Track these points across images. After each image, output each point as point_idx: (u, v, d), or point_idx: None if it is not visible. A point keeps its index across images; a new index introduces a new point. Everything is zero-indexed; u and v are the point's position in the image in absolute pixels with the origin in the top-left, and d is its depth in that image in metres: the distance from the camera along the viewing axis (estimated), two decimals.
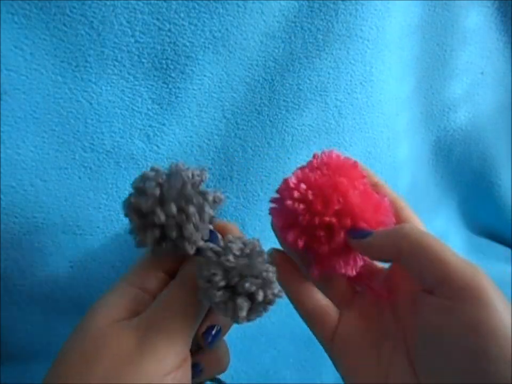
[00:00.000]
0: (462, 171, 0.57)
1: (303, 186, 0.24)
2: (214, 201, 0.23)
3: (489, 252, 0.58)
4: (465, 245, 0.59)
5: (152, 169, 0.22)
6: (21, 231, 0.32)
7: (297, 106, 0.39)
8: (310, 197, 0.23)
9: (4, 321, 0.34)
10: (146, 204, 0.21)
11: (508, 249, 0.59)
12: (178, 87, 0.33)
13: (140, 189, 0.21)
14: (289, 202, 0.23)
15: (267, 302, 0.21)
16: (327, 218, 0.23)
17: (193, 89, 0.34)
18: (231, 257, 0.21)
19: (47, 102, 0.30)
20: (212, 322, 0.24)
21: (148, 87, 0.32)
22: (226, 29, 0.33)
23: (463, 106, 0.52)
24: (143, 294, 0.23)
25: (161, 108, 0.33)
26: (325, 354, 0.26)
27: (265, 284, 0.20)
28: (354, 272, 0.25)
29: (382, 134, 0.45)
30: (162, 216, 0.21)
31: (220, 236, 0.24)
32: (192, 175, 0.22)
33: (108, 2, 0.29)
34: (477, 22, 0.48)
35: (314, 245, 0.24)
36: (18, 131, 0.30)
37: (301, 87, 0.38)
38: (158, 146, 0.34)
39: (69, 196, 0.32)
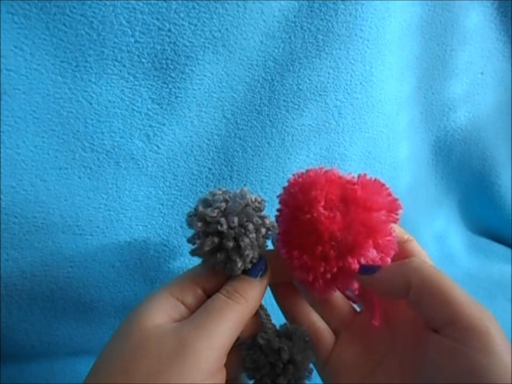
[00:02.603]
0: (462, 171, 0.57)
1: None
2: (269, 228, 0.25)
3: (489, 251, 0.58)
4: (465, 245, 0.59)
5: (220, 189, 0.25)
6: (21, 231, 0.32)
7: (297, 106, 0.39)
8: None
9: (4, 321, 0.34)
10: (212, 214, 0.23)
11: (508, 249, 0.59)
12: (178, 87, 0.33)
13: (207, 201, 0.24)
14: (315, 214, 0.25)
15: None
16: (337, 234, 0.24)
17: (193, 89, 0.34)
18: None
19: (47, 102, 0.30)
20: None
21: (148, 87, 0.32)
22: (226, 29, 0.33)
23: (463, 106, 0.52)
24: (182, 305, 0.24)
25: (161, 108, 0.33)
26: None
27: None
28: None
29: (382, 134, 0.45)
30: (225, 225, 0.23)
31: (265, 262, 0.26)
32: (255, 200, 0.25)
33: (108, 2, 0.29)
34: (477, 22, 0.48)
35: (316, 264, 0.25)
36: (18, 131, 0.30)
37: (300, 87, 0.38)
38: (158, 146, 0.34)
39: (69, 196, 0.32)
